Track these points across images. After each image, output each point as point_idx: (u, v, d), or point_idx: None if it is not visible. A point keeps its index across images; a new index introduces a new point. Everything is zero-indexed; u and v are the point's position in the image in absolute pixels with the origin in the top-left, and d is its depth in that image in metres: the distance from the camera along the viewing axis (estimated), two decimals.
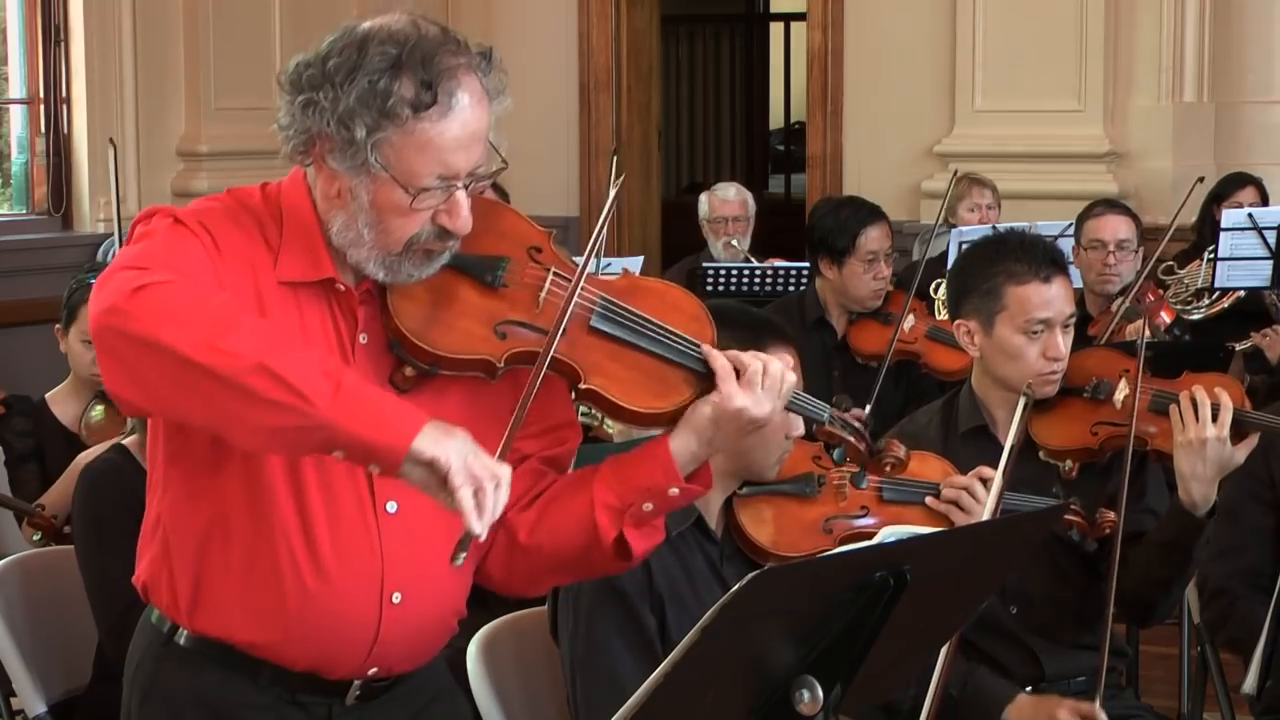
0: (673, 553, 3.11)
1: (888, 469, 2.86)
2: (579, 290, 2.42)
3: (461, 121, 2.36)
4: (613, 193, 2.58)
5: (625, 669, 2.97)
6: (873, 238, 5.74)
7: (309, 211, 2.45)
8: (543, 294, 2.46)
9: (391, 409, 2.24)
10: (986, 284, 3.66)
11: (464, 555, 2.25)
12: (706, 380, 2.49)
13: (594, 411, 4.44)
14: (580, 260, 2.48)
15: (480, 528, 2.21)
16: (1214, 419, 3.55)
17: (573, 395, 2.51)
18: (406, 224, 2.37)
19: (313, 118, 2.36)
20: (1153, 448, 3.71)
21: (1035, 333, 3.62)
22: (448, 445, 2.22)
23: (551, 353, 2.39)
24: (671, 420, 2.50)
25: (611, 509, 2.49)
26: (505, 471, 2.25)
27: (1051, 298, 3.63)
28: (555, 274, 2.47)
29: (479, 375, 2.44)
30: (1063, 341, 3.64)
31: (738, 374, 2.46)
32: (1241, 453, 3.59)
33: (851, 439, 2.73)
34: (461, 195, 2.39)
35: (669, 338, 2.48)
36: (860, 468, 2.77)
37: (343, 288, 2.45)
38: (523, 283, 2.46)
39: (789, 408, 2.60)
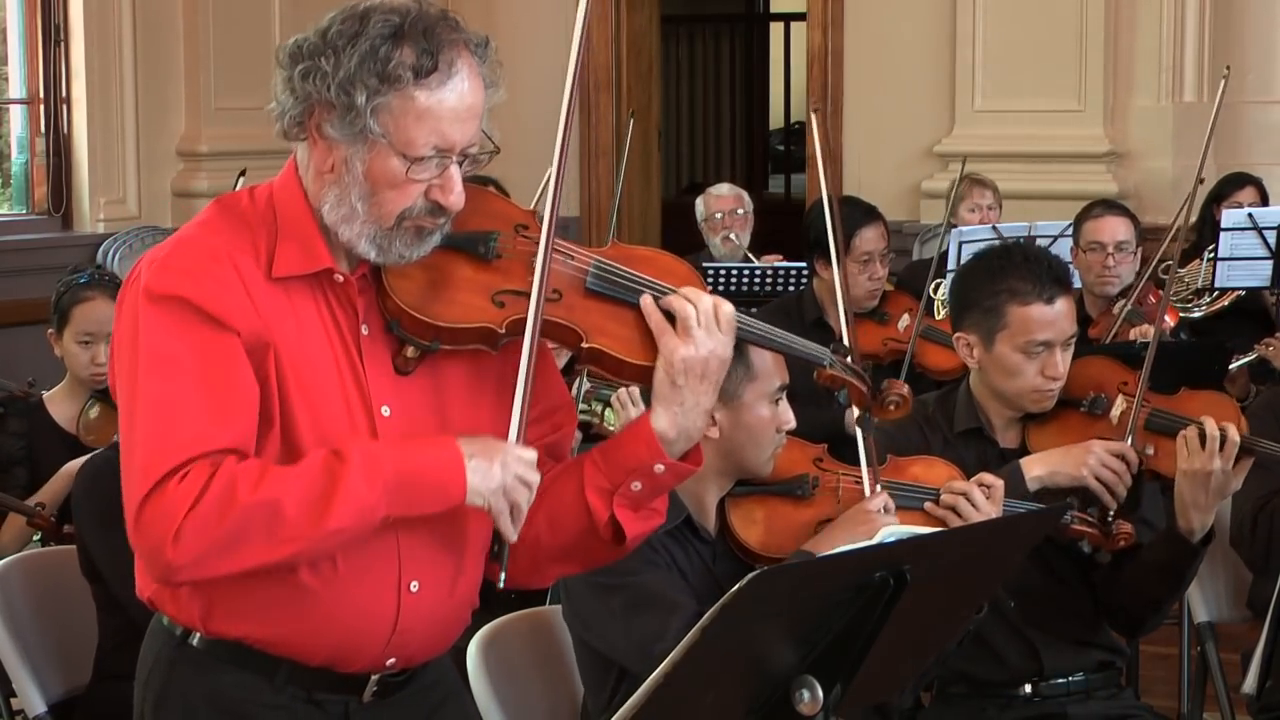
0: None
1: (892, 409, 2.80)
2: (552, 234, 2.43)
3: (459, 93, 2.39)
4: (559, 134, 2.52)
5: (653, 581, 2.98)
6: (867, 238, 5.74)
7: (301, 203, 2.46)
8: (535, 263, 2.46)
9: (431, 476, 2.37)
10: (989, 301, 3.64)
11: (505, 559, 2.45)
12: None
13: (592, 404, 4.43)
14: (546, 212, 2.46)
15: (514, 537, 2.43)
16: (1220, 448, 3.53)
17: (577, 360, 2.52)
18: (400, 196, 2.38)
19: (313, 84, 2.38)
20: (1148, 468, 3.70)
21: (1036, 353, 3.61)
22: (488, 484, 2.38)
23: (541, 305, 2.40)
24: None
25: (602, 490, 2.50)
26: (532, 470, 2.41)
27: (1054, 319, 3.60)
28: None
29: (480, 346, 2.45)
30: (1062, 360, 3.62)
31: (674, 324, 2.46)
32: (1238, 478, 3.59)
33: (853, 380, 2.70)
34: (455, 170, 2.41)
35: (663, 292, 2.49)
36: (864, 412, 2.74)
37: (340, 278, 2.45)
38: (515, 253, 2.48)
39: (791, 353, 2.60)
